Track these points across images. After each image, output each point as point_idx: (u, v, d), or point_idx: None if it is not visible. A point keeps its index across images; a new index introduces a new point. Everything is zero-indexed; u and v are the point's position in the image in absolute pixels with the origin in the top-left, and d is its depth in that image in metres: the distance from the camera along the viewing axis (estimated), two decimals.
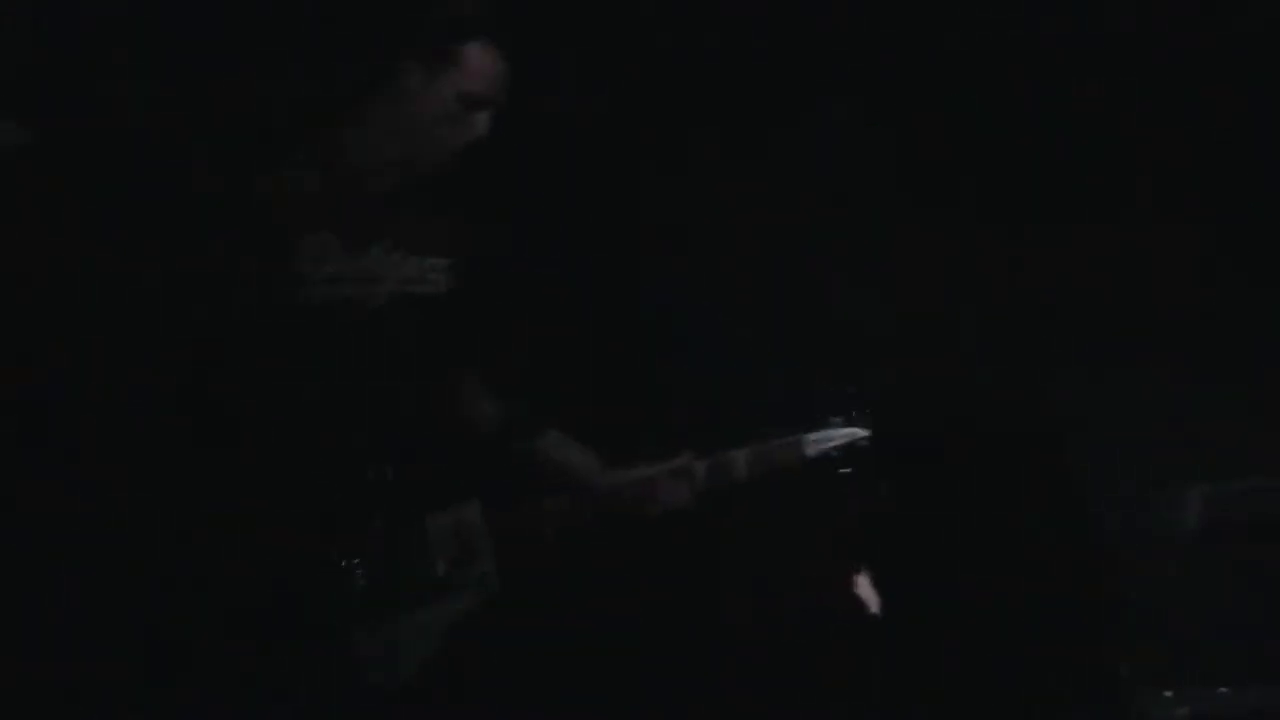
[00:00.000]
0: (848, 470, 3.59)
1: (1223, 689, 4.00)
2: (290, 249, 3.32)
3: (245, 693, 3.27)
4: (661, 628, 4.18)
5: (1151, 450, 4.21)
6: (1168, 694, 4.01)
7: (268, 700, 3.26)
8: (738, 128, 4.34)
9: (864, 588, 4.21)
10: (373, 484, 3.38)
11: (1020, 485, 4.26)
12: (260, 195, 3.33)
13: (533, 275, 3.95)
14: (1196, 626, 4.07)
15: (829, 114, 4.32)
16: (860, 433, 3.58)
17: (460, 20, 3.35)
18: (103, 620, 3.60)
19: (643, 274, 4.31)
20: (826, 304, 4.33)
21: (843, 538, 4.25)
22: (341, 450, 3.36)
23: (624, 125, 4.26)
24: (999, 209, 4.37)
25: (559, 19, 4.09)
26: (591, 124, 4.23)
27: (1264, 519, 4.00)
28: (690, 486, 3.53)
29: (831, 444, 3.59)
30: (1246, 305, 4.28)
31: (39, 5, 3.78)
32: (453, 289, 3.46)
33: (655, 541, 3.83)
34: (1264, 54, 4.27)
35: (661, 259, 4.29)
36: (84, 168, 3.61)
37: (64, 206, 3.63)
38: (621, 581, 4.14)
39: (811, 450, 3.58)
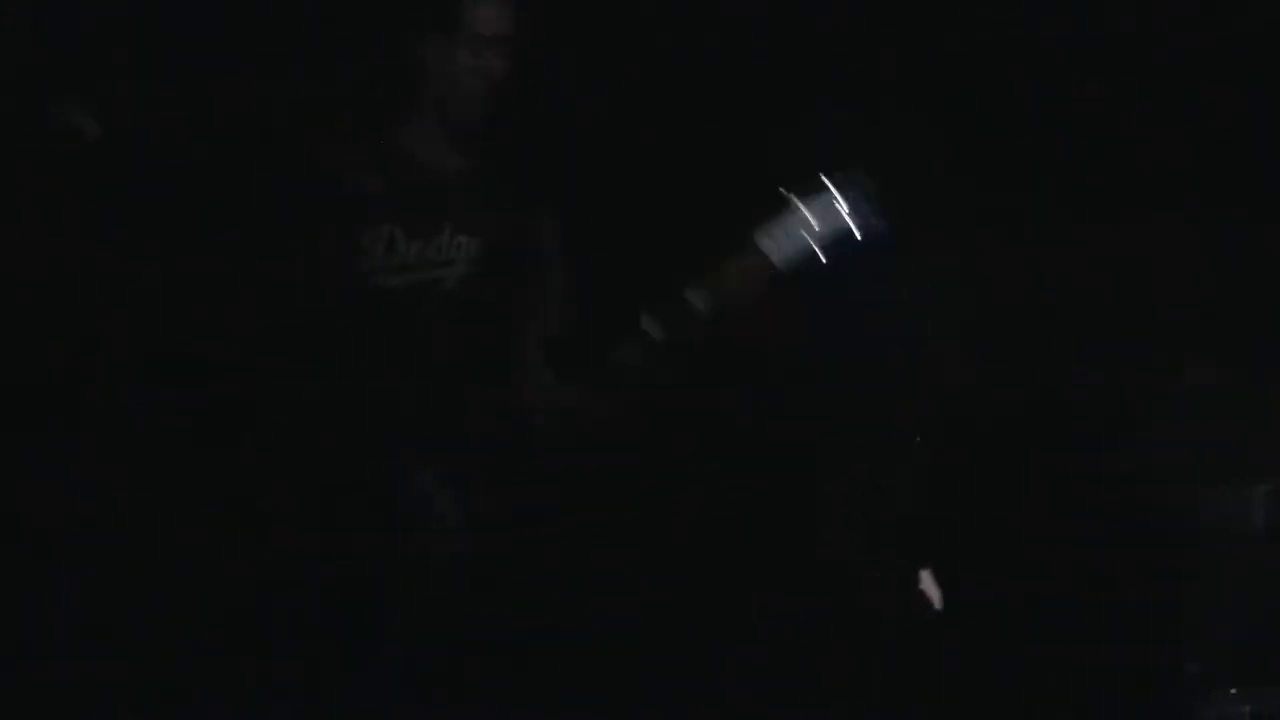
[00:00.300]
0: None
1: (1262, 689, 4.02)
2: (361, 240, 3.47)
3: None
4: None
5: (1216, 448, 4.22)
6: (1231, 691, 4.03)
7: None
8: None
9: (928, 586, 4.27)
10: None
11: (1084, 483, 4.28)
12: (328, 190, 3.51)
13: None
14: (1260, 625, 4.09)
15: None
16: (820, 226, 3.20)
17: None
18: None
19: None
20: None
21: (904, 536, 4.31)
22: (415, 431, 3.50)
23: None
24: (1054, 198, 4.41)
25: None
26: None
27: None
28: (653, 344, 3.35)
29: (793, 247, 3.25)
30: None
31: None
32: (514, 268, 3.59)
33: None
34: None
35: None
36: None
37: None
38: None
39: (775, 258, 3.27)
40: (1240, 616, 4.11)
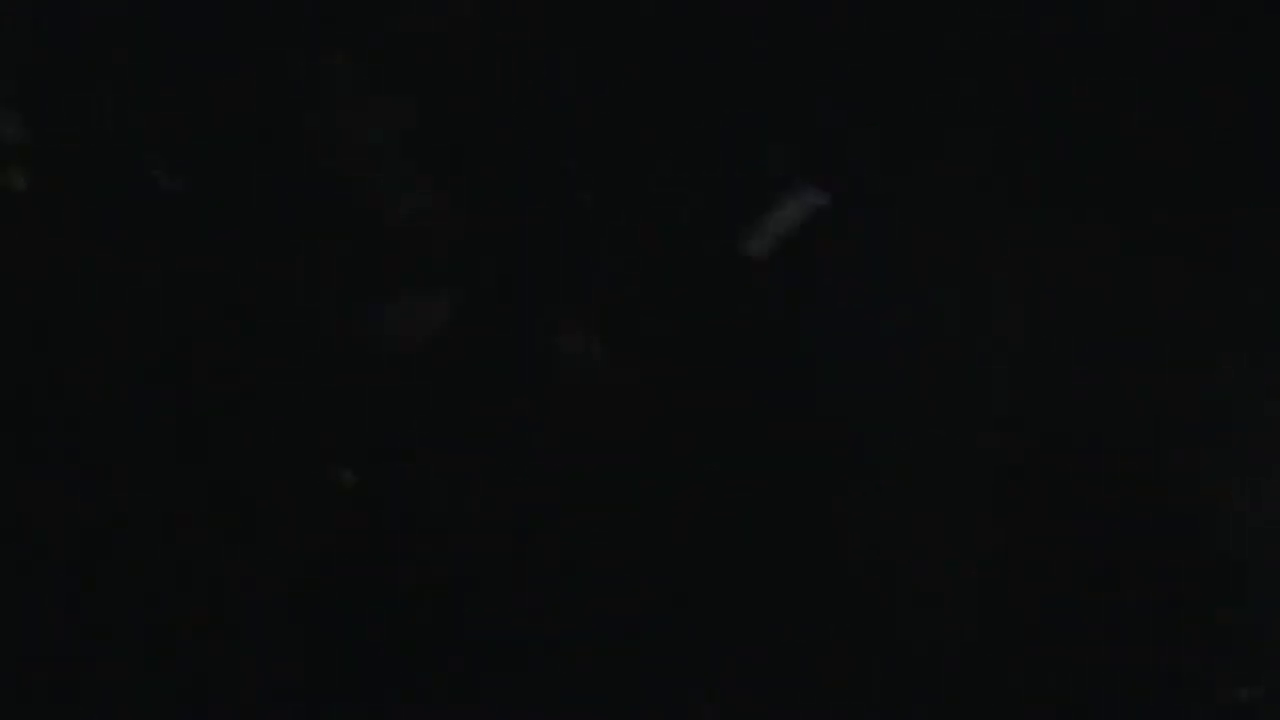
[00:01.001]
0: None
1: None
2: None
3: None
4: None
5: (1260, 470, 4.24)
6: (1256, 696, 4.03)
7: None
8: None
9: (986, 597, 4.29)
10: None
11: (1130, 502, 4.31)
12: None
13: None
14: None
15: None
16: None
17: None
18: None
19: None
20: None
21: (964, 550, 4.34)
22: None
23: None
24: (1101, 212, 4.46)
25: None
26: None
27: None
28: None
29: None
30: None
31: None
32: None
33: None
34: None
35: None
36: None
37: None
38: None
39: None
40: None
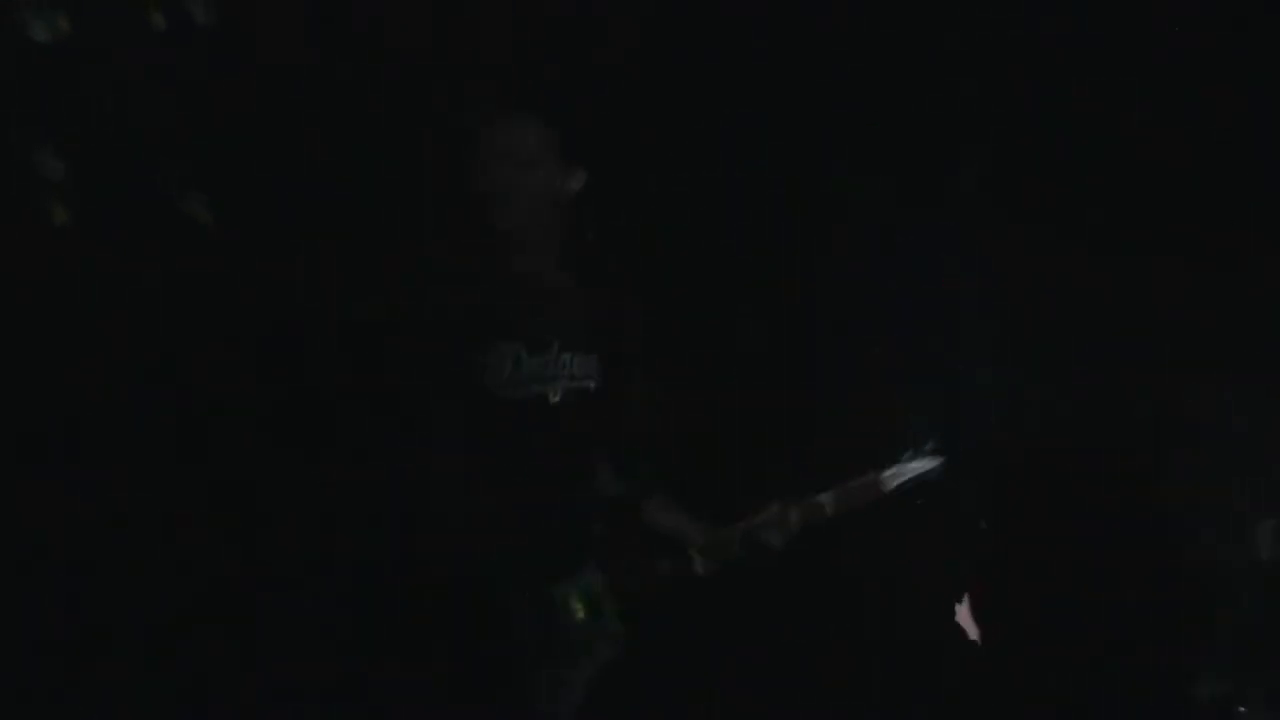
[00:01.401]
0: (921, 502, 3.84)
1: None
2: (491, 357, 3.78)
3: None
4: (781, 667, 4.50)
5: (1230, 482, 4.51)
6: (1241, 710, 4.34)
7: None
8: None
9: (962, 614, 4.53)
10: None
11: (1102, 513, 4.47)
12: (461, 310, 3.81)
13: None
14: (1269, 648, 4.39)
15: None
16: (932, 464, 3.78)
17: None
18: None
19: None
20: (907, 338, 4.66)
21: (939, 567, 4.58)
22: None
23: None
24: (1081, 229, 4.65)
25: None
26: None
27: None
28: (783, 533, 3.80)
29: (907, 478, 3.80)
30: None
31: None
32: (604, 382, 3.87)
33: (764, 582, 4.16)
34: None
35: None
36: None
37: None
38: (735, 628, 4.47)
39: (888, 486, 3.81)
40: (1249, 640, 4.41)
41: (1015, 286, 4.72)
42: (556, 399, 3.78)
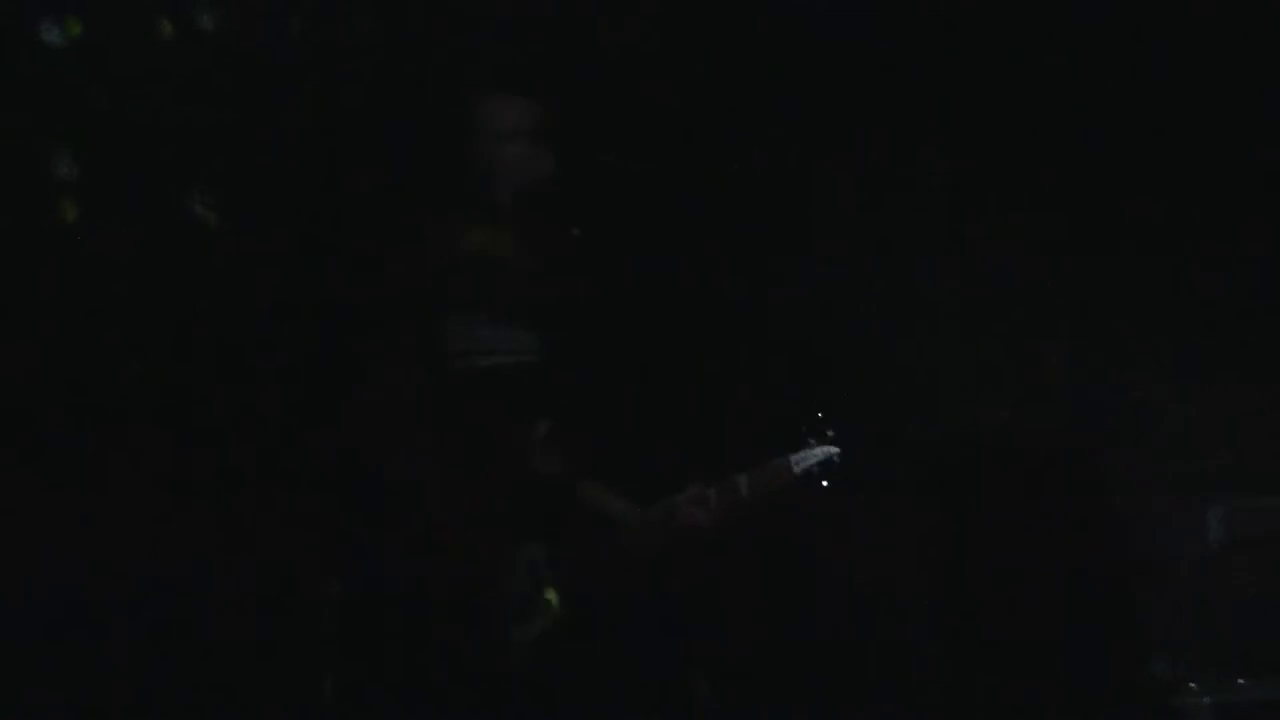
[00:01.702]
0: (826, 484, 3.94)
1: (1241, 680, 4.47)
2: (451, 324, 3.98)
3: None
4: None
5: (1179, 469, 4.69)
6: (1193, 685, 4.48)
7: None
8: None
9: (902, 598, 4.69)
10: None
11: (1059, 501, 4.67)
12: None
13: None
14: (1219, 627, 4.55)
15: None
16: (835, 450, 3.94)
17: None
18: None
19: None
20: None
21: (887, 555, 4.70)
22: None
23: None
24: (1022, 219, 4.73)
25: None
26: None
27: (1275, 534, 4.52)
28: (707, 512, 3.95)
29: (812, 462, 3.95)
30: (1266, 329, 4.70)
31: None
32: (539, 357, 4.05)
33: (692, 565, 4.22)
34: None
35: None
36: None
37: None
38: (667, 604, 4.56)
39: (798, 469, 3.96)
40: (1200, 621, 4.58)
41: (947, 281, 4.82)
42: (503, 370, 3.96)
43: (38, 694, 4.13)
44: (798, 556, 4.71)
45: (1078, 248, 4.79)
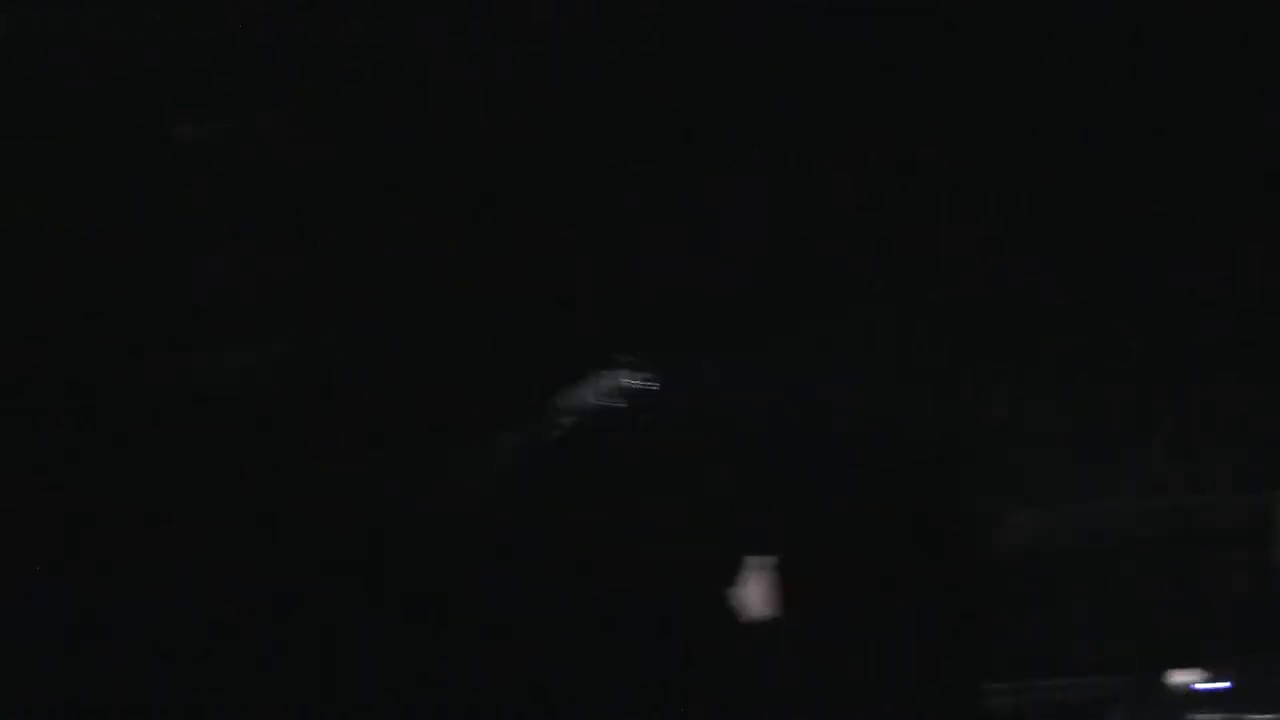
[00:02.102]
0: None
1: (1060, 681, 4.67)
2: None
3: None
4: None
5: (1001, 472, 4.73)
6: (1007, 685, 4.65)
7: None
8: None
9: (748, 596, 4.64)
10: None
11: (909, 505, 4.69)
12: None
13: None
14: (1037, 628, 4.69)
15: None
16: (637, 379, 4.12)
17: None
18: None
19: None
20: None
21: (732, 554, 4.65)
22: None
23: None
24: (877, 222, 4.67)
25: None
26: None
27: (1085, 538, 4.67)
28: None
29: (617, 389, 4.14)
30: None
31: None
32: None
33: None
34: None
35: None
36: None
37: None
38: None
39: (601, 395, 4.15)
40: (1048, 620, 4.71)
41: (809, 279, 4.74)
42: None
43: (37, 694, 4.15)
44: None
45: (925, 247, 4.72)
